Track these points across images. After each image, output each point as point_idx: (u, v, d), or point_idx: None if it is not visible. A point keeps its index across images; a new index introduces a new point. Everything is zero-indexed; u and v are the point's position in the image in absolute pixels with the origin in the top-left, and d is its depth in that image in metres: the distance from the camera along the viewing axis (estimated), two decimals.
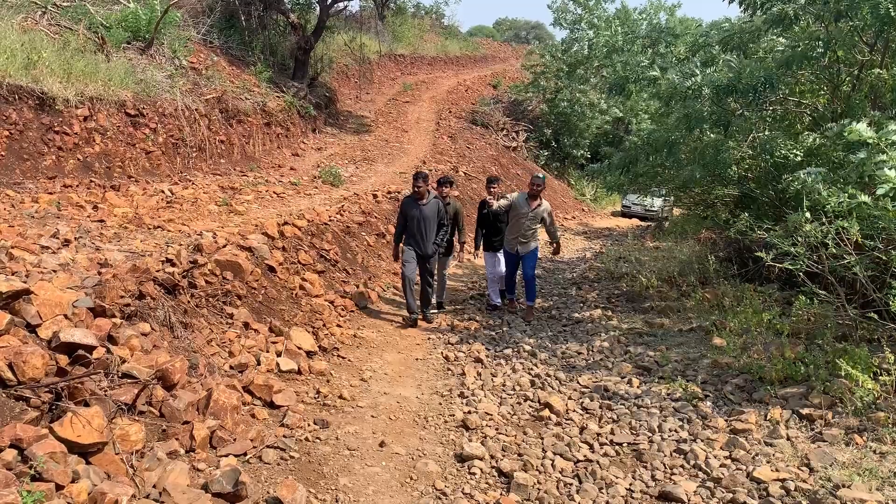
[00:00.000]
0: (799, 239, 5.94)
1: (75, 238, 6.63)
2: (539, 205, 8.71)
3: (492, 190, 9.18)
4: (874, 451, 4.55)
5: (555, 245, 9.30)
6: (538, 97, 28.10)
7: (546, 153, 26.17)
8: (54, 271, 5.24)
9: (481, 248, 9.51)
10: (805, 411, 5.19)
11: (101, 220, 7.81)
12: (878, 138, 5.45)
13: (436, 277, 8.80)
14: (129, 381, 4.21)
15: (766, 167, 8.69)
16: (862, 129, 5.42)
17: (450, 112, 25.68)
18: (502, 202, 8.92)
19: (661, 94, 9.56)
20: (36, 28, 11.46)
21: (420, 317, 8.44)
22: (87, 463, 3.50)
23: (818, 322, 6.54)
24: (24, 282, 4.50)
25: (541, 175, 8.93)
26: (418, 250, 8.29)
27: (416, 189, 8.17)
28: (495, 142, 23.68)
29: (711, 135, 9.07)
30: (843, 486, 4.12)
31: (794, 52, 7.68)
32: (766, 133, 8.59)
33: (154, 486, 3.60)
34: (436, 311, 8.98)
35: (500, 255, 9.26)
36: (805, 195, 6.08)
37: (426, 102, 27.03)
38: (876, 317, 5.72)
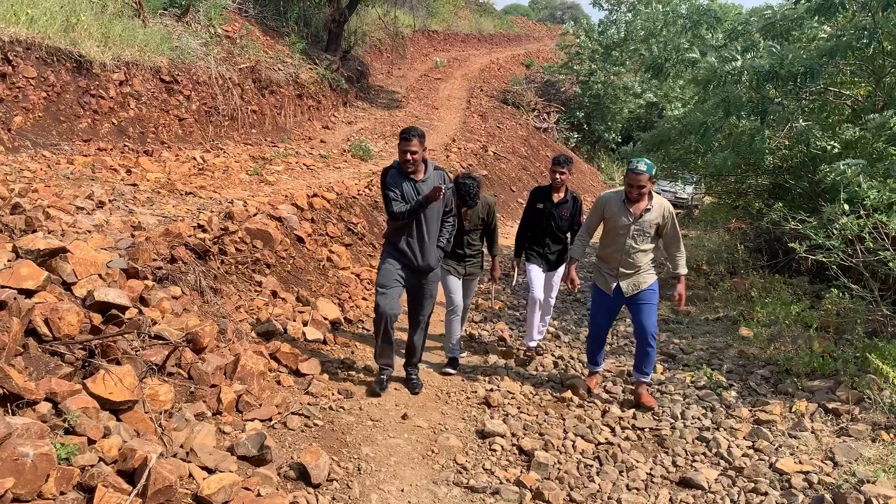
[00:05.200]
0: (834, 231, 5.86)
1: (109, 200, 6.72)
2: (648, 209, 5.13)
3: (559, 176, 6.04)
4: None
5: (678, 284, 5.48)
6: (571, 79, 27.80)
7: (577, 136, 25.93)
8: (89, 232, 5.32)
9: (522, 258, 6.39)
10: (831, 405, 5.14)
11: (135, 184, 7.90)
12: None
13: (428, 314, 5.44)
14: (159, 342, 4.28)
15: (802, 158, 8.55)
16: None
17: (481, 90, 25.51)
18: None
19: (698, 78, 9.42)
20: None
21: (391, 371, 5.45)
22: (118, 420, 3.57)
23: (848, 316, 6.46)
24: (61, 240, 4.58)
25: (642, 166, 5.00)
26: (412, 261, 5.08)
27: (405, 156, 4.91)
28: (526, 122, 23.51)
29: (747, 122, 8.92)
30: (868, 481, 4.09)
31: (838, 42, 7.51)
32: (804, 123, 8.43)
33: (181, 446, 3.67)
34: (451, 369, 6.00)
35: (558, 279, 6.36)
36: (842, 187, 5.99)
37: (458, 80, 26.86)
38: None
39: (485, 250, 6.17)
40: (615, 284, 5.32)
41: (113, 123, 10.28)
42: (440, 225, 5.19)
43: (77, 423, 3.24)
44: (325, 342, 6.02)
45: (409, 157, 4.89)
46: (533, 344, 6.48)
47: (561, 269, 6.23)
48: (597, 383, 5.80)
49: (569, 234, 6.25)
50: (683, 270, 5.45)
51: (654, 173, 5.08)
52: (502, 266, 6.24)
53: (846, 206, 5.78)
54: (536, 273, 6.20)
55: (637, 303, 5.34)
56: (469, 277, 6.04)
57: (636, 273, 5.29)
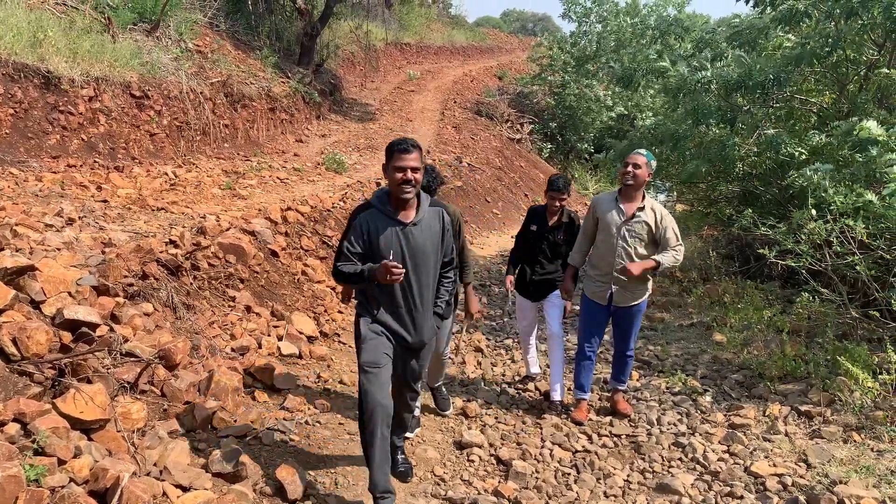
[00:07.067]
0: (803, 236, 5.95)
1: (79, 217, 6.63)
2: (641, 207, 4.87)
3: (557, 203, 5.42)
4: (872, 449, 4.58)
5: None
6: (544, 90, 28.01)
7: (550, 146, 26.10)
8: (58, 249, 5.24)
9: (512, 285, 5.76)
10: (804, 408, 5.21)
11: (105, 201, 7.81)
12: (889, 136, 5.47)
13: (421, 379, 4.14)
14: (131, 359, 4.23)
15: (771, 164, 8.69)
16: (873, 126, 5.44)
17: (455, 102, 25.60)
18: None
19: (668, 88, 9.55)
20: (42, 6, 11.42)
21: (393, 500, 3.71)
22: (89, 439, 3.51)
23: (819, 320, 6.55)
24: (29, 258, 4.51)
25: (643, 150, 4.91)
26: (404, 336, 3.73)
27: (404, 174, 3.60)
28: (500, 133, 23.62)
29: (717, 130, 9.05)
30: (841, 482, 4.14)
31: (803, 50, 7.66)
32: (772, 130, 8.57)
33: (155, 465, 3.62)
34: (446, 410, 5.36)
35: (553, 304, 5.59)
36: (810, 193, 6.09)
37: (431, 92, 26.92)
38: (878, 315, 5.73)
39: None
40: (609, 292, 5.02)
41: (82, 139, 10.16)
42: (437, 283, 3.82)
43: (47, 443, 3.18)
44: (300, 356, 5.98)
45: (408, 175, 3.57)
46: (557, 397, 5.54)
47: (553, 296, 5.60)
48: (586, 414, 5.33)
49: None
50: (661, 259, 4.81)
51: (651, 164, 4.80)
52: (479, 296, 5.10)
53: (814, 212, 5.88)
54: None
55: (622, 320, 5.17)
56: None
57: (630, 280, 4.92)
